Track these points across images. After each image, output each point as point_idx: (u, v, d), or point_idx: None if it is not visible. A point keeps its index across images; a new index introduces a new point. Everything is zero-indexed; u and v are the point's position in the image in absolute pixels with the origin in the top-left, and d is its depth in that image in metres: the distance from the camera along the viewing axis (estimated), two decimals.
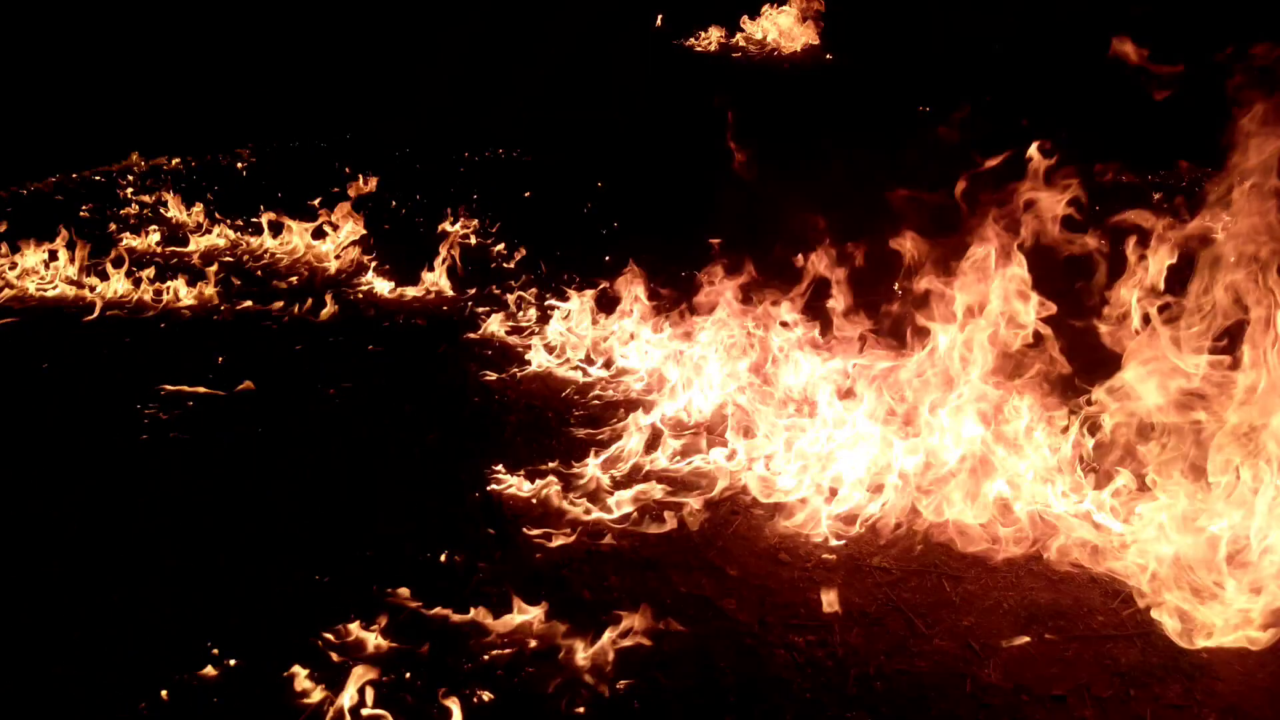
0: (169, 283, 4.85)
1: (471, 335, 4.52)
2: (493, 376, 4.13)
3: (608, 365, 4.23)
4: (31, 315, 4.57)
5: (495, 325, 4.55)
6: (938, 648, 2.78)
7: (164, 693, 2.52)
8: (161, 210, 6.23)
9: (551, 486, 3.44)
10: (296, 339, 4.47)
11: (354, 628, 2.80)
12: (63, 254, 5.06)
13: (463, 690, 2.62)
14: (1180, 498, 2.95)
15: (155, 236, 5.64)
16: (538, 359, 4.27)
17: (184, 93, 7.91)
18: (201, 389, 3.93)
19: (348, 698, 2.54)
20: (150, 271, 5.00)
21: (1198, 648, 2.70)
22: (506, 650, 2.76)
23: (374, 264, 5.26)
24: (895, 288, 3.88)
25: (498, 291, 4.99)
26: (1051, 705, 2.59)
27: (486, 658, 2.73)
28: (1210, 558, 2.82)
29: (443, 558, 3.10)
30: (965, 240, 3.40)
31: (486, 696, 2.61)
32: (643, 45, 8.96)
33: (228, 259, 5.39)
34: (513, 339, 4.49)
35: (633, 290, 4.32)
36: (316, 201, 5.99)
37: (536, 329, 4.55)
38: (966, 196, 3.46)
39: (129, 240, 5.65)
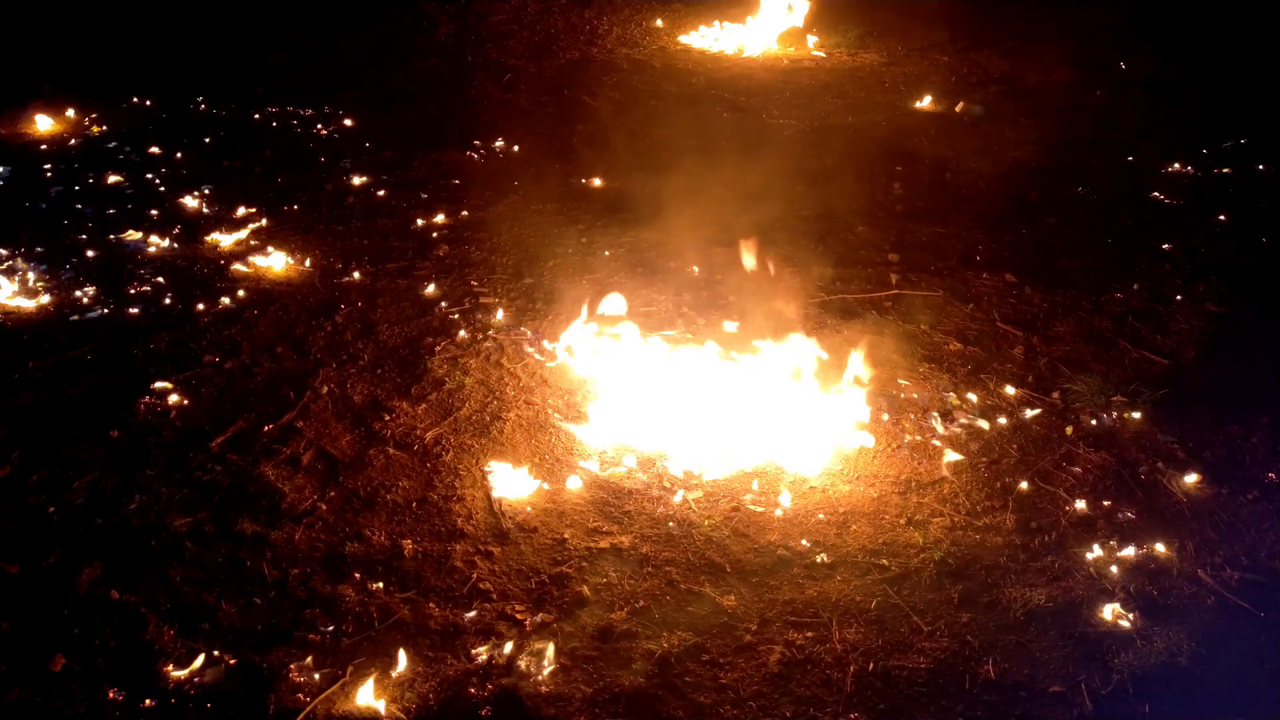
0: None
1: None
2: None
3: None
4: None
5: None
6: (937, 645, 2.80)
7: None
8: None
9: (550, 481, 3.44)
10: None
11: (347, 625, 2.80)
12: None
13: (464, 688, 2.62)
14: None
15: None
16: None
17: None
18: None
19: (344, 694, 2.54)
20: None
21: None
22: (507, 648, 2.76)
23: None
24: None
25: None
26: (1050, 700, 2.61)
27: (485, 656, 2.73)
28: None
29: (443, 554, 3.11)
30: None
31: (488, 689, 2.61)
32: None
33: None
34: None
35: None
36: None
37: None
38: None
39: None
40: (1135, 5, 10.60)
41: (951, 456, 3.64)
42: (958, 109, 8.01)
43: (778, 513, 3.33)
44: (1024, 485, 3.49)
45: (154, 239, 5.36)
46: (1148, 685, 2.67)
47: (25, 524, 3.16)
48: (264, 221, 5.62)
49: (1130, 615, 2.91)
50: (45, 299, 4.69)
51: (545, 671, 2.68)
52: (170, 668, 2.64)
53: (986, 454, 3.67)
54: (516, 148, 7.00)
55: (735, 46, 10.16)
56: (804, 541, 3.20)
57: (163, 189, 6.06)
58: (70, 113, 7.30)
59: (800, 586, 3.01)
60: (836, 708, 2.59)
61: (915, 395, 4.01)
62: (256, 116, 7.52)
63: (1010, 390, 4.06)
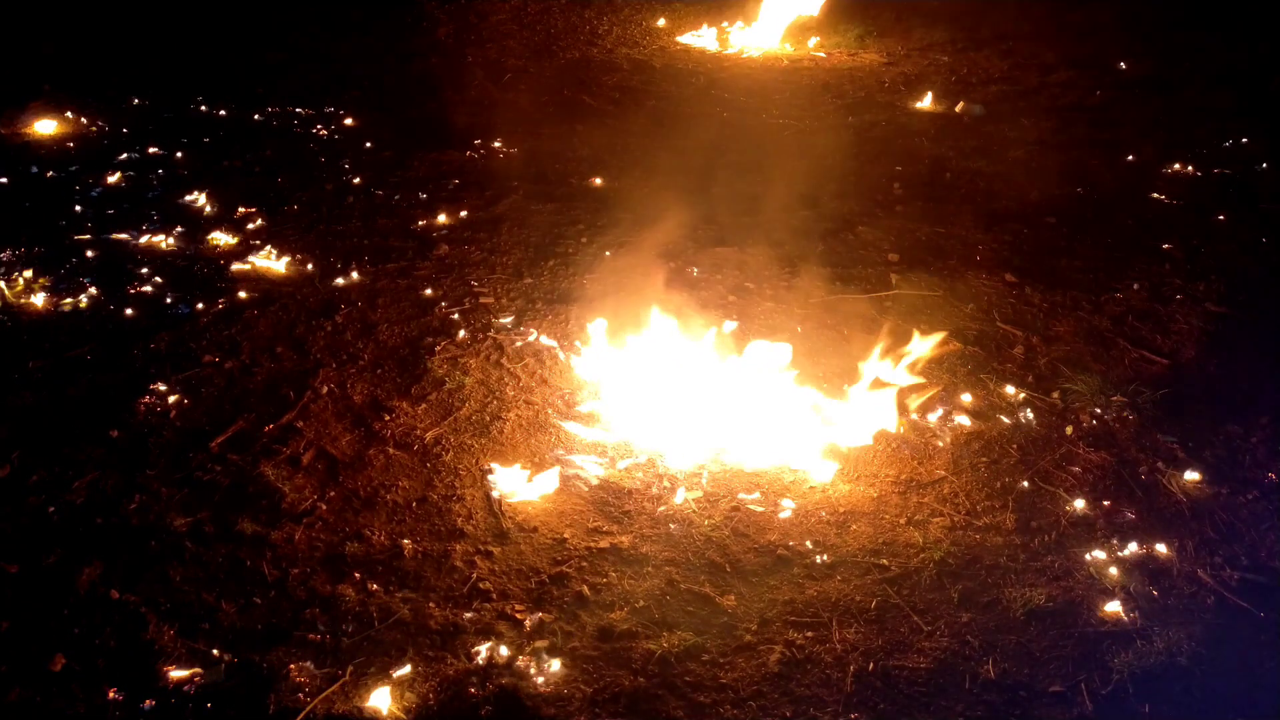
0: None
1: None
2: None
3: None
4: None
5: None
6: (937, 645, 2.79)
7: None
8: None
9: (552, 481, 3.44)
10: None
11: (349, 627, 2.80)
12: None
13: (465, 687, 2.62)
14: None
15: None
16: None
17: None
18: None
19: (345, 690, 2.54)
20: None
21: None
22: (507, 649, 2.76)
23: None
24: None
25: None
26: (1050, 700, 2.60)
27: (485, 656, 2.73)
28: None
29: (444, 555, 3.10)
30: None
31: (488, 689, 2.61)
32: None
33: None
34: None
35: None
36: None
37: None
38: None
39: None
40: (1135, 5, 10.60)
41: (951, 456, 3.64)
42: (958, 109, 8.01)
43: (779, 513, 3.33)
44: (1024, 485, 3.49)
45: (154, 239, 5.35)
46: (1148, 685, 2.67)
47: (25, 524, 3.16)
48: (264, 221, 5.62)
49: (1130, 615, 2.90)
50: (45, 299, 4.69)
51: (545, 671, 2.68)
52: (170, 668, 2.64)
53: (986, 454, 3.67)
54: (516, 148, 6.99)
55: (735, 47, 10.16)
56: (804, 541, 3.20)
57: (162, 189, 6.06)
58: (70, 113, 7.30)
59: (800, 586, 3.01)
60: (836, 708, 2.59)
61: (915, 395, 4.01)
62: (256, 116, 7.52)
63: (1010, 390, 4.06)
